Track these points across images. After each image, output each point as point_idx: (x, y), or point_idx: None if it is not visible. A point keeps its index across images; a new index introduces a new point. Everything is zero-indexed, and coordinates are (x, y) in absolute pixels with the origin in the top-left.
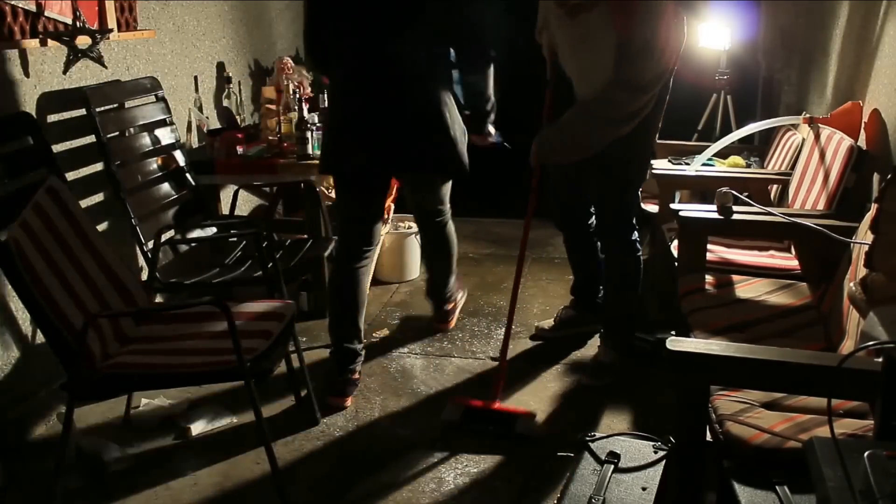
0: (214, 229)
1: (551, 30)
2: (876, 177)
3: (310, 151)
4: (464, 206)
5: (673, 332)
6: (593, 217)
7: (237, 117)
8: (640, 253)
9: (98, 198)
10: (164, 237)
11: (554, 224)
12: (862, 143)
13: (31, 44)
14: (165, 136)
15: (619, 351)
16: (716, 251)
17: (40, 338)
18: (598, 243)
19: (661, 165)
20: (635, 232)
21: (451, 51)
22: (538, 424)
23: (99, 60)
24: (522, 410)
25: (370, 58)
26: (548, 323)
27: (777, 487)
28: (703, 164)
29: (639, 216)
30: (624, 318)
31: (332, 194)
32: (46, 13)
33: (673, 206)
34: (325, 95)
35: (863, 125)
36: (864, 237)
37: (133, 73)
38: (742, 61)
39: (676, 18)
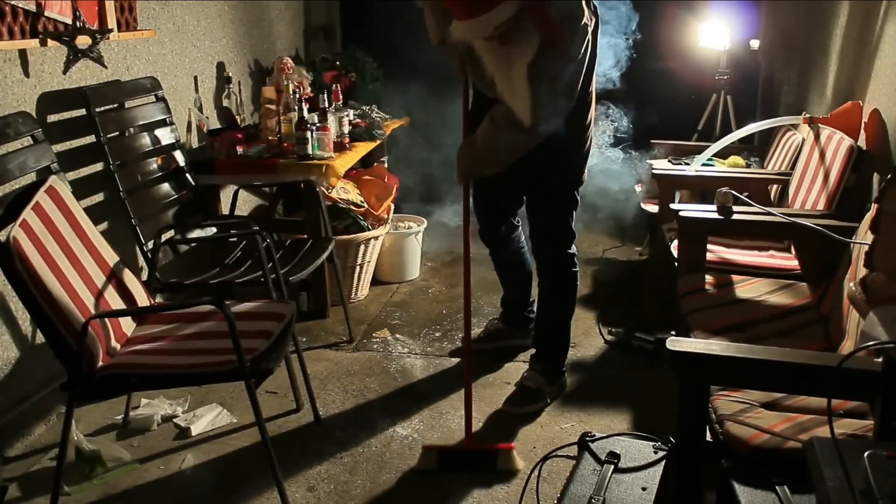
0: (214, 229)
1: (476, 63)
2: (876, 177)
3: (310, 151)
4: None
5: (673, 333)
6: (519, 231)
7: (237, 117)
8: (575, 269)
9: (98, 198)
10: (164, 237)
11: (479, 237)
12: (862, 143)
13: (31, 44)
14: (165, 136)
15: (546, 376)
16: (716, 251)
17: (40, 338)
18: (528, 258)
19: (661, 165)
20: (572, 245)
21: None
22: (517, 457)
23: (99, 60)
24: (500, 446)
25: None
26: (474, 334)
27: (777, 487)
28: (703, 164)
29: (570, 231)
30: (554, 341)
31: (347, 195)
32: (46, 13)
33: (673, 206)
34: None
35: (863, 125)
36: (863, 237)
37: (133, 74)
38: (742, 61)
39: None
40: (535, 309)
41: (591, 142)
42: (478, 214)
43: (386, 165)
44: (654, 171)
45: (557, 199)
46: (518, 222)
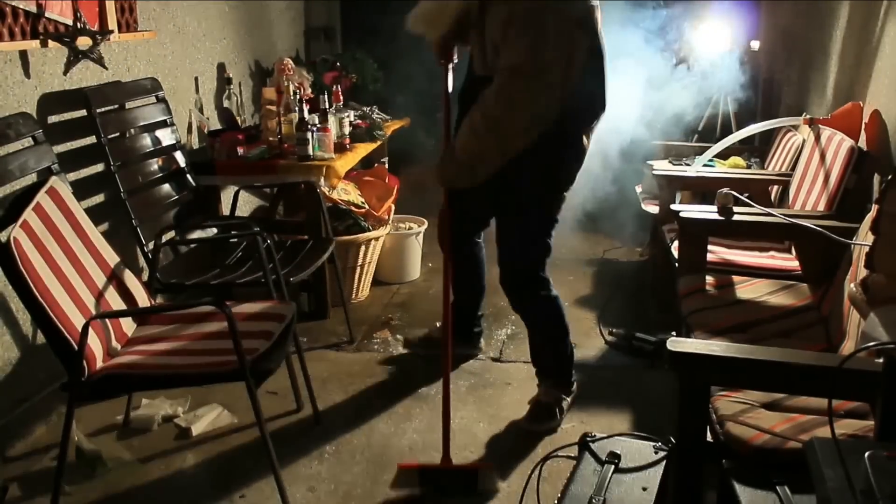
0: (215, 230)
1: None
2: (876, 177)
3: (310, 152)
4: None
5: (673, 333)
6: (480, 248)
7: (238, 118)
8: (546, 292)
9: (98, 198)
10: (164, 238)
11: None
12: (862, 143)
13: (32, 45)
14: (166, 137)
15: (560, 389)
16: (716, 252)
17: (40, 338)
18: (483, 274)
19: (661, 166)
20: (543, 285)
21: None
22: (497, 477)
23: (99, 61)
24: (480, 465)
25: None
26: (419, 333)
27: (777, 488)
28: (704, 165)
29: (546, 256)
30: (557, 358)
31: (347, 196)
32: (47, 14)
33: (673, 206)
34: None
35: (863, 126)
36: (864, 238)
37: (133, 74)
38: (742, 61)
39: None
40: (481, 325)
41: (577, 160)
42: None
43: (386, 166)
44: (655, 172)
45: (527, 222)
46: (480, 240)
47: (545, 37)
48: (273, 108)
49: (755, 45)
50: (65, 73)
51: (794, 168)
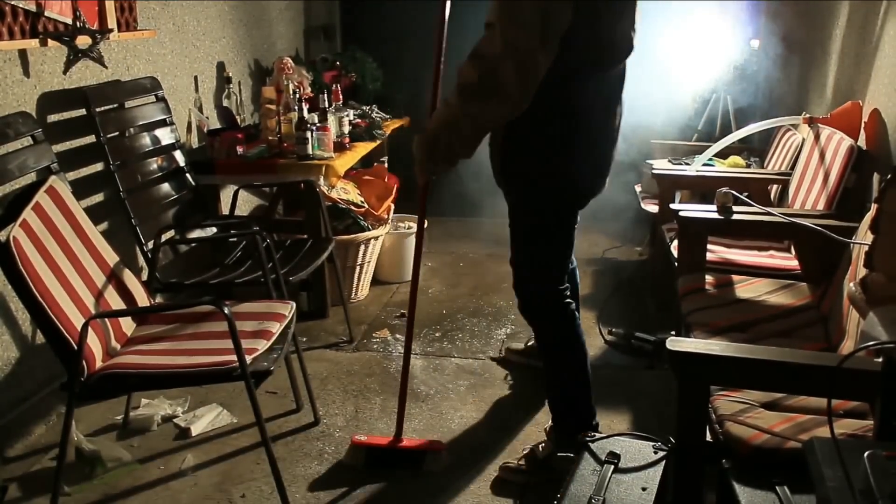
0: (214, 229)
1: None
2: (876, 177)
3: (310, 151)
4: (463, 206)
5: (673, 332)
6: None
7: (237, 117)
8: (556, 310)
9: (98, 198)
10: (164, 237)
11: None
12: (862, 143)
13: (32, 44)
14: (165, 136)
15: (557, 445)
16: (716, 251)
17: (40, 338)
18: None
19: (661, 165)
20: (544, 283)
21: None
22: (446, 458)
23: (99, 60)
24: (429, 445)
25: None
26: (518, 345)
27: (777, 487)
28: (704, 165)
29: (554, 272)
30: (555, 402)
31: (347, 196)
32: (46, 13)
33: (673, 206)
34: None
35: (863, 125)
36: (863, 237)
37: (133, 74)
38: (742, 61)
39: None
40: None
41: (596, 146)
42: None
43: (386, 165)
44: (655, 171)
45: (517, 217)
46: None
47: None
48: (272, 107)
49: (755, 44)
50: (64, 73)
51: (793, 167)
